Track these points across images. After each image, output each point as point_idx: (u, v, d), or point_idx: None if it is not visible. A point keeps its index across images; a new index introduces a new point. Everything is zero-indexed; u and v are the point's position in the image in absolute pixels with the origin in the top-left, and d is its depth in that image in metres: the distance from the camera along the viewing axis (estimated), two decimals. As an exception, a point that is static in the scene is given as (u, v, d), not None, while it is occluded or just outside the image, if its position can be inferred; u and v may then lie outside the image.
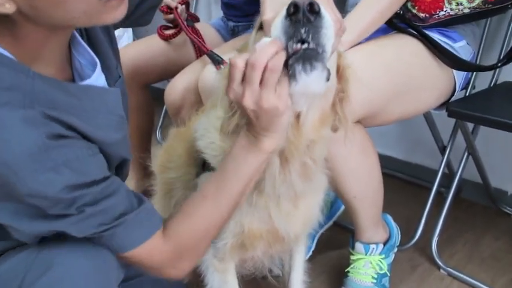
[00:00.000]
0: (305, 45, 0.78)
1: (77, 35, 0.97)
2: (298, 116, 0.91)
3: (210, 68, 1.57)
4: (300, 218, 1.13)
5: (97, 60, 0.98)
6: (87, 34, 1.00)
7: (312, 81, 0.80)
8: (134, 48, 1.90)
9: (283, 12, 0.78)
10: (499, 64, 1.50)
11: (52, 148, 0.79)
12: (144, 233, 0.91)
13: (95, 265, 0.87)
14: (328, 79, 0.83)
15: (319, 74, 0.80)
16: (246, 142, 0.90)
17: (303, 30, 0.77)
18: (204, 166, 1.14)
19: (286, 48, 0.79)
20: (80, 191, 0.82)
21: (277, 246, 1.18)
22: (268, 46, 0.78)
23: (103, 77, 0.99)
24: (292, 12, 0.77)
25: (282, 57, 0.79)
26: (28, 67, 0.81)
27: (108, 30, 1.08)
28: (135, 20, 1.23)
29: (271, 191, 1.03)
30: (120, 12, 0.83)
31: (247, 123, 0.89)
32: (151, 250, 0.92)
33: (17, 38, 0.82)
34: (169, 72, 1.86)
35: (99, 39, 1.02)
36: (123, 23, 1.19)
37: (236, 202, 0.96)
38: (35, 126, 0.78)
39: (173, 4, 1.85)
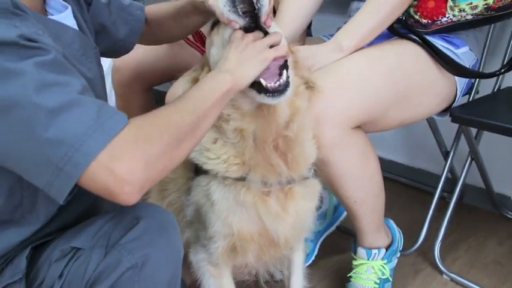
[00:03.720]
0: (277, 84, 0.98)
1: None
2: None
3: (178, 83, 1.55)
4: (290, 221, 1.14)
5: (68, 5, 1.02)
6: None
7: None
8: (137, 50, 1.87)
9: None
10: (502, 71, 1.50)
11: (14, 14, 0.81)
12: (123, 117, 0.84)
13: (169, 218, 0.96)
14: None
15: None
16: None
17: None
18: (196, 171, 1.17)
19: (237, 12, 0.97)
20: (41, 44, 0.80)
21: (270, 251, 1.19)
22: None
23: (74, 22, 1.03)
24: None
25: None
26: None
27: (83, 14, 1.12)
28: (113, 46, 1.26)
29: (255, 167, 1.08)
30: None
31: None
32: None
33: None
34: (172, 74, 1.84)
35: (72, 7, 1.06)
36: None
37: (197, 116, 0.90)
38: None
39: None
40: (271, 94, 0.98)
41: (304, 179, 1.14)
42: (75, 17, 1.04)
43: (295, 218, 1.14)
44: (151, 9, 1.30)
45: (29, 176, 0.83)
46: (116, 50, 1.30)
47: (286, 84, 1.00)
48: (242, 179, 1.09)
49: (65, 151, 0.77)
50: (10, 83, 0.77)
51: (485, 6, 1.34)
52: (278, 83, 0.99)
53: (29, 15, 0.85)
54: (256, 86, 1.00)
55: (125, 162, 0.79)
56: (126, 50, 1.32)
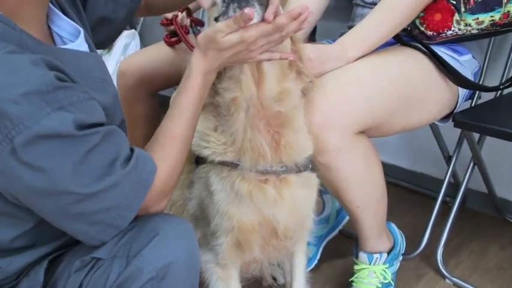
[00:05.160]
0: None
1: (55, 8, 1.01)
2: (261, 70, 1.05)
3: None
4: (286, 207, 1.14)
5: (80, 28, 1.02)
6: (64, 12, 1.05)
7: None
8: (142, 55, 1.91)
9: None
10: (501, 87, 1.53)
11: (59, 88, 0.82)
12: (151, 161, 0.96)
13: (186, 228, 0.98)
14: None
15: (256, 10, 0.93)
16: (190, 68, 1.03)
17: None
18: (197, 161, 1.19)
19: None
20: (88, 130, 0.84)
21: (272, 242, 1.19)
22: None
23: (86, 45, 1.04)
24: None
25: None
26: (13, 21, 0.86)
27: (82, 18, 1.13)
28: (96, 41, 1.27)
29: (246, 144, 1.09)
30: None
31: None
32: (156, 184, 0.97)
33: None
34: (177, 79, 1.86)
35: (75, 19, 1.06)
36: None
37: (195, 126, 1.06)
38: (43, 67, 0.82)
39: (169, 15, 1.83)
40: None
41: (299, 171, 1.15)
42: (86, 40, 1.05)
43: (291, 204, 1.15)
44: None
45: (65, 230, 0.92)
46: (114, 36, 1.31)
47: None
48: (236, 165, 1.11)
49: (116, 212, 0.90)
50: (62, 174, 0.82)
51: (491, 22, 1.35)
52: None
53: (68, 79, 0.86)
54: None
55: (156, 208, 0.98)
56: (121, 32, 1.33)
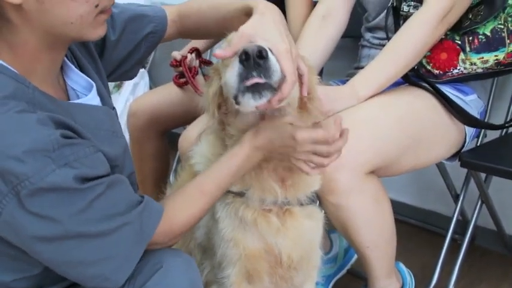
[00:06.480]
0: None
1: (69, 63, 1.04)
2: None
3: (191, 128, 1.60)
4: (290, 236, 1.14)
5: (93, 82, 1.06)
6: (79, 66, 1.09)
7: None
8: (153, 96, 1.95)
9: (237, 58, 0.91)
10: (507, 125, 1.56)
11: (65, 145, 0.85)
12: (158, 214, 0.98)
13: (189, 261, 1.01)
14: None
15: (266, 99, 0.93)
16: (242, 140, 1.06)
17: (254, 73, 0.90)
18: None
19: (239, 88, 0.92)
20: (92, 182, 0.87)
21: (279, 271, 1.18)
22: None
23: (98, 99, 1.07)
24: (244, 58, 0.89)
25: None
26: (27, 79, 0.89)
27: (98, 68, 1.16)
28: (121, 74, 1.30)
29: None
30: (102, 30, 0.96)
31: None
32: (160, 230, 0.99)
33: (13, 46, 0.90)
34: (187, 119, 1.89)
35: (90, 71, 1.10)
36: (108, 77, 1.26)
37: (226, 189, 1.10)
38: (49, 126, 0.85)
39: (178, 57, 1.87)
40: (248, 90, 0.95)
41: (302, 205, 1.16)
42: (99, 93, 1.08)
43: (295, 233, 1.15)
44: (189, 12, 1.29)
45: (68, 278, 0.92)
46: (139, 65, 1.33)
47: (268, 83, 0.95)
48: (242, 194, 1.12)
49: (116, 264, 0.91)
50: (66, 219, 0.85)
51: (496, 61, 1.39)
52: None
53: (75, 135, 0.89)
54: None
55: (161, 246, 1.00)
56: (146, 59, 1.37)
